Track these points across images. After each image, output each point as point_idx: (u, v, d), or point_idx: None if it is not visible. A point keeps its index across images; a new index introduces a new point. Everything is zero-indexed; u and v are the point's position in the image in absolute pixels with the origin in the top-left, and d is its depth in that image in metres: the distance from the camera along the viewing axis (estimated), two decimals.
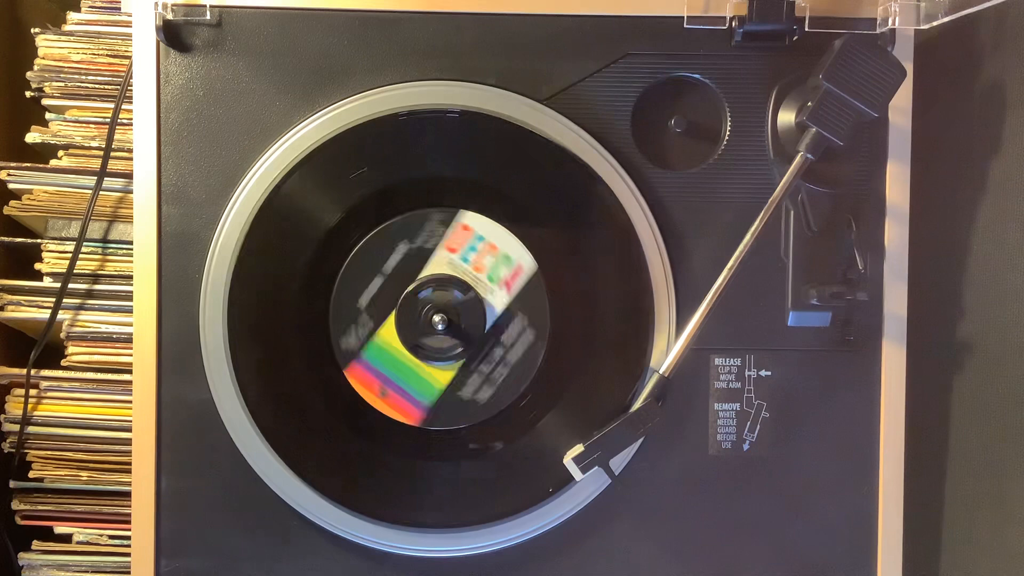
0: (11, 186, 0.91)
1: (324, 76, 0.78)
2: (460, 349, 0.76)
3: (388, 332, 0.77)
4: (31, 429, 0.90)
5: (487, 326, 0.77)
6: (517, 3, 0.78)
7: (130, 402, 0.88)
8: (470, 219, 0.77)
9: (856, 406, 0.80)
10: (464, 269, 0.77)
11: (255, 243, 0.77)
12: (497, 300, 0.77)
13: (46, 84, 0.92)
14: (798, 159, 0.74)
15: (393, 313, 0.76)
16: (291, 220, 0.77)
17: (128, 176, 0.89)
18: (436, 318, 0.75)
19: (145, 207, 0.77)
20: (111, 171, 0.90)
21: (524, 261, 0.77)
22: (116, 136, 0.89)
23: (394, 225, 0.77)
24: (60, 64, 0.92)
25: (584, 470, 0.73)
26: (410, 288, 0.76)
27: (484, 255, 0.77)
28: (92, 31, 0.92)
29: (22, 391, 0.90)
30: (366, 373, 0.77)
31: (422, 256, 0.77)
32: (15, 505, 0.91)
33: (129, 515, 0.78)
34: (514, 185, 0.79)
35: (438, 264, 0.77)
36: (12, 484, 0.91)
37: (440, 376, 0.77)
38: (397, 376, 0.77)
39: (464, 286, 0.76)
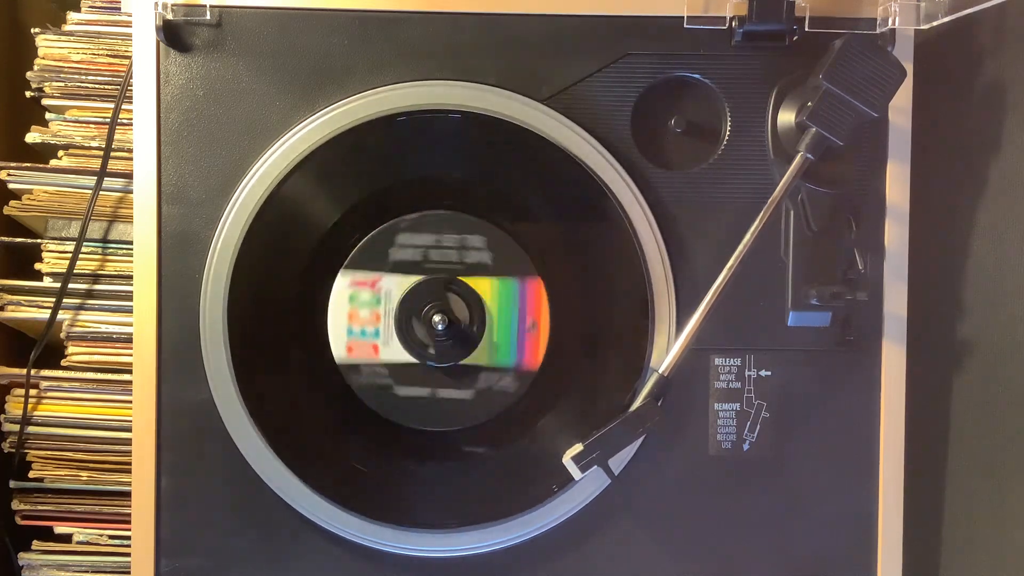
0: (11, 186, 0.91)
1: (324, 76, 0.78)
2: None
3: (482, 353, 0.77)
4: (31, 429, 0.90)
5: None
6: (517, 3, 0.78)
7: (130, 402, 0.88)
8: (337, 349, 0.77)
9: (856, 406, 0.80)
10: (386, 328, 0.77)
11: (255, 243, 0.77)
12: (396, 283, 0.76)
13: (46, 84, 0.92)
14: (798, 159, 0.74)
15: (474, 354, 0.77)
16: (291, 220, 0.77)
17: (128, 176, 0.89)
18: (436, 318, 0.75)
19: (145, 207, 0.77)
20: (111, 171, 0.90)
21: (343, 286, 0.77)
22: (116, 136, 0.89)
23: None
24: (60, 64, 0.92)
25: (583, 469, 0.73)
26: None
27: (360, 318, 0.77)
28: (92, 31, 0.92)
29: (22, 391, 0.90)
30: (524, 348, 0.77)
31: (401, 370, 0.77)
32: (15, 505, 0.91)
33: (129, 515, 0.78)
34: (514, 185, 0.79)
35: (397, 354, 0.76)
36: (12, 484, 0.91)
37: (488, 284, 0.77)
38: (508, 317, 0.77)
39: (456, 283, 0.76)
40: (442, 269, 0.77)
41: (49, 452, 0.91)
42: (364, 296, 0.77)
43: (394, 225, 0.77)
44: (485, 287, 0.77)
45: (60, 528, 0.91)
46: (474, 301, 0.77)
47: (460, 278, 0.77)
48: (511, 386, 0.77)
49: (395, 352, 0.77)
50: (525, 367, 0.77)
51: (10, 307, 0.91)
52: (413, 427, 0.78)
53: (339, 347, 0.77)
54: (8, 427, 0.91)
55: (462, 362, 0.77)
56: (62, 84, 0.92)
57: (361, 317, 0.77)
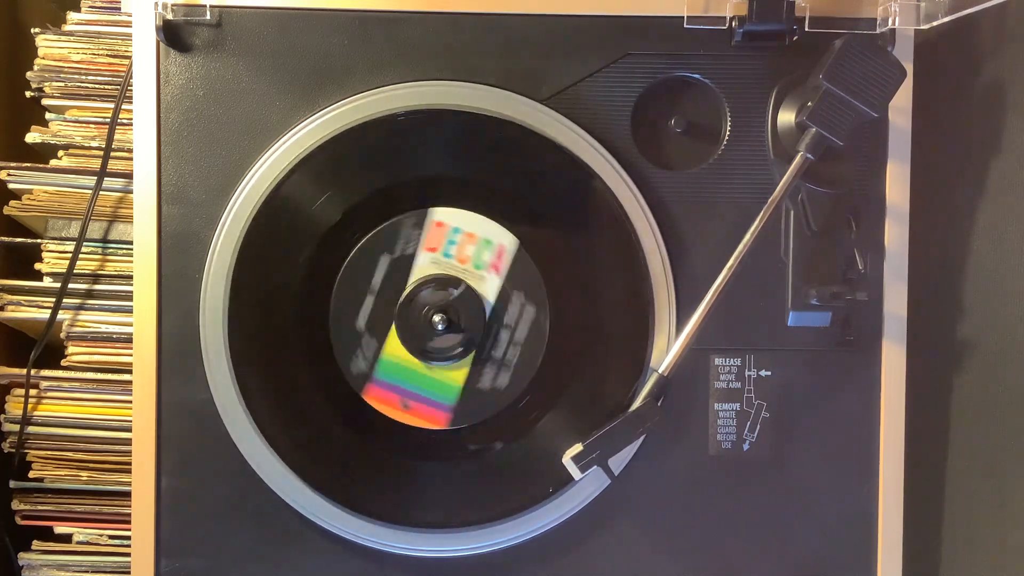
0: (11, 186, 0.91)
1: (324, 76, 0.78)
2: (466, 344, 0.76)
3: (394, 346, 0.77)
4: (31, 429, 0.90)
5: (487, 314, 0.77)
6: (517, 3, 0.78)
7: (130, 402, 0.88)
8: (441, 215, 0.77)
9: (856, 406, 0.80)
10: (450, 264, 0.77)
11: (255, 243, 0.77)
12: (489, 286, 0.77)
13: (46, 84, 0.92)
14: (798, 159, 0.74)
15: (393, 327, 0.76)
16: (291, 220, 0.77)
17: (128, 176, 0.89)
18: (436, 318, 0.75)
19: (145, 207, 0.77)
20: (111, 171, 0.90)
21: (504, 240, 0.77)
22: (116, 136, 0.89)
23: (370, 241, 0.77)
24: (60, 64, 0.92)
25: (583, 469, 0.73)
26: (402, 298, 0.76)
27: (465, 246, 0.77)
28: (92, 31, 0.92)
29: (22, 391, 0.90)
30: (383, 391, 0.77)
31: (405, 264, 0.77)
32: (15, 505, 0.91)
33: (129, 515, 0.78)
34: (514, 185, 0.79)
35: (422, 268, 0.77)
36: (12, 484, 0.91)
37: (455, 375, 0.77)
38: (414, 385, 0.77)
39: (455, 281, 0.76)
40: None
41: (49, 452, 0.91)
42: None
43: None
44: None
45: (60, 528, 0.91)
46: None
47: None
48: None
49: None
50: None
51: (10, 307, 0.91)
52: (414, 427, 0.78)
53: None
54: (8, 427, 0.91)
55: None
56: (62, 84, 0.92)
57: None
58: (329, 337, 0.77)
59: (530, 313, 0.77)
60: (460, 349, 0.77)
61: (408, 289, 0.76)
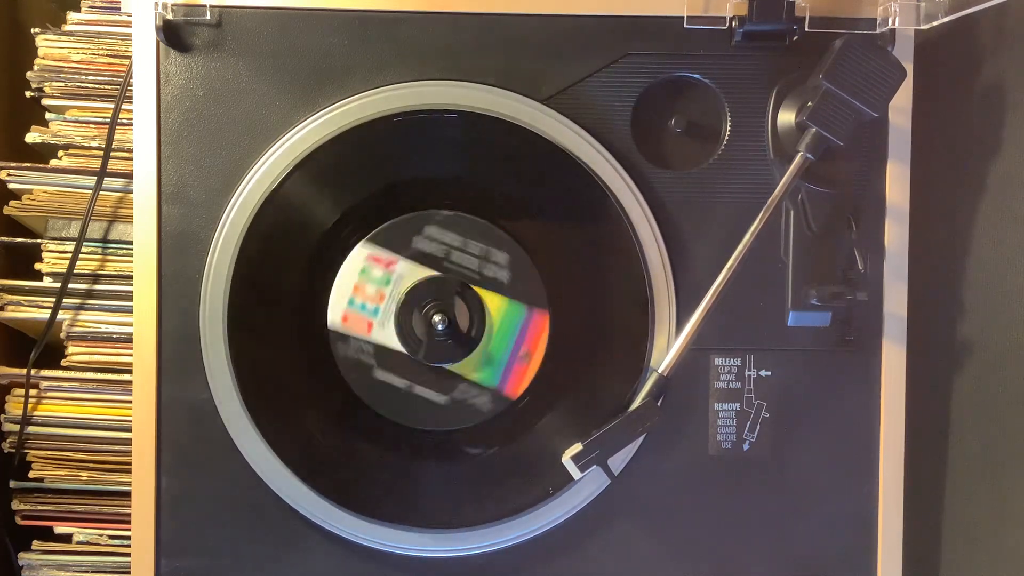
0: (11, 186, 0.91)
1: (324, 76, 0.78)
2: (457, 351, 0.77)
3: (465, 367, 0.78)
4: (31, 429, 0.90)
5: (438, 273, 0.77)
6: (517, 3, 0.78)
7: (130, 402, 0.88)
8: (333, 314, 0.77)
9: (856, 406, 0.80)
10: (384, 309, 0.77)
11: (255, 243, 0.77)
12: (409, 270, 0.76)
13: (46, 84, 0.92)
14: (798, 159, 0.74)
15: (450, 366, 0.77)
16: (291, 220, 0.77)
17: (128, 176, 0.89)
18: (437, 317, 0.75)
19: (145, 207, 0.77)
20: (111, 171, 0.90)
21: (360, 256, 0.77)
22: (116, 136, 0.89)
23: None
24: (60, 64, 0.92)
25: (582, 469, 0.73)
26: (424, 352, 0.76)
27: (365, 293, 0.77)
28: (92, 31, 0.92)
29: (22, 391, 0.90)
30: (510, 377, 0.78)
31: (385, 353, 0.77)
32: (15, 505, 0.91)
33: (129, 515, 0.78)
34: (514, 185, 0.79)
35: (387, 338, 0.77)
36: (12, 484, 0.91)
37: (497, 303, 0.77)
38: (505, 345, 0.77)
39: (401, 305, 0.76)
40: (458, 272, 0.77)
41: (49, 452, 0.91)
42: (376, 273, 0.77)
43: (427, 215, 0.77)
44: (495, 303, 0.77)
45: (60, 528, 0.91)
46: (478, 311, 0.77)
47: (473, 286, 0.77)
48: (487, 404, 0.78)
49: (388, 336, 0.77)
50: (505, 393, 0.78)
51: (10, 307, 0.91)
52: (412, 427, 0.78)
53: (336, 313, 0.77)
54: (8, 427, 0.91)
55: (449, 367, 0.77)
56: (62, 84, 0.92)
57: (366, 293, 0.77)
58: (329, 337, 0.77)
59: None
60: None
61: (418, 281, 0.76)
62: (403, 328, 0.76)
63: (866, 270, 0.78)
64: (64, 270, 0.89)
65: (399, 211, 0.77)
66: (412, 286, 0.76)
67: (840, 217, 0.78)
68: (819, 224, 0.78)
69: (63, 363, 0.91)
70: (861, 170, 0.79)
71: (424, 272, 0.77)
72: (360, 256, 0.77)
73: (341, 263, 0.77)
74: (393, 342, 0.77)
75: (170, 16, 0.76)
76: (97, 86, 0.92)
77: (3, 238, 0.93)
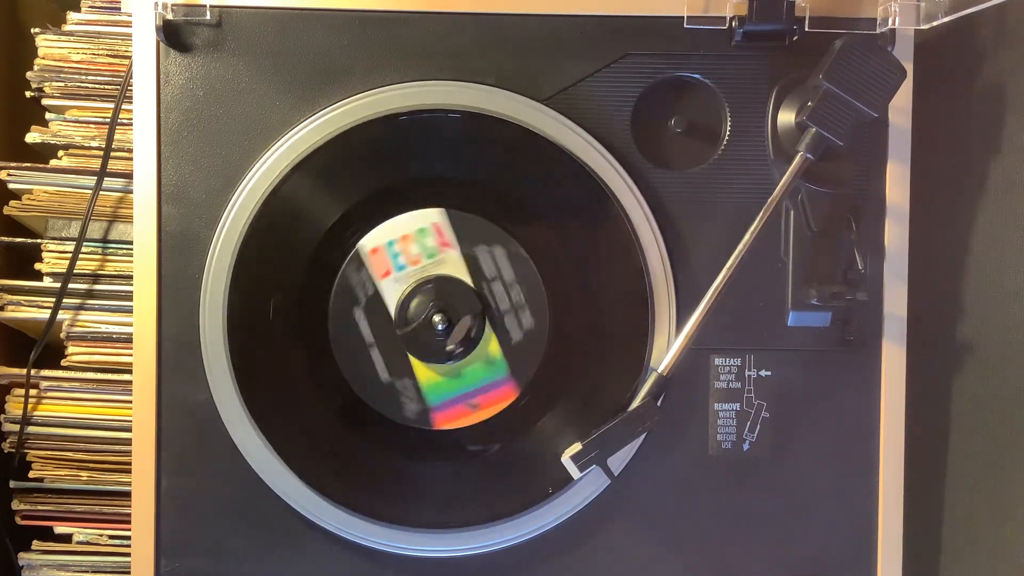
0: (11, 186, 0.91)
1: (324, 76, 0.78)
2: (474, 323, 0.76)
3: (423, 371, 0.77)
4: (31, 429, 0.90)
5: (472, 284, 0.77)
6: (517, 3, 0.78)
7: (130, 402, 0.88)
8: (370, 241, 0.76)
9: (856, 406, 0.80)
10: (409, 272, 0.76)
11: (255, 243, 0.77)
12: (454, 263, 0.77)
13: (46, 84, 0.92)
14: (798, 159, 0.74)
15: (411, 357, 0.77)
16: (291, 220, 0.77)
17: (128, 176, 0.89)
18: (436, 318, 0.75)
19: (145, 207, 0.77)
20: (111, 171, 0.90)
21: (432, 218, 0.77)
22: (116, 136, 0.89)
23: (332, 306, 0.77)
24: (60, 64, 0.92)
25: (582, 469, 0.73)
26: (399, 328, 0.76)
27: (407, 248, 0.76)
28: (92, 31, 0.92)
29: (22, 391, 0.90)
30: (447, 411, 0.77)
31: (377, 304, 0.77)
32: (15, 505, 0.91)
33: (129, 515, 0.78)
34: (514, 185, 0.79)
35: (391, 293, 0.77)
36: (12, 484, 0.91)
37: (489, 349, 0.77)
38: (465, 385, 0.77)
39: (424, 281, 0.76)
40: (488, 299, 0.77)
41: (49, 452, 0.91)
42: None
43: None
44: (489, 347, 0.77)
45: (60, 528, 0.91)
46: (473, 340, 0.77)
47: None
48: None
49: (391, 293, 0.77)
50: (432, 417, 0.77)
51: (10, 307, 0.91)
52: (414, 427, 0.78)
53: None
54: (8, 427, 0.91)
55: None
56: (62, 84, 0.92)
57: (409, 250, 0.77)
58: (329, 337, 0.77)
59: (502, 255, 0.77)
60: (473, 329, 0.76)
61: (406, 327, 0.76)
62: (407, 300, 0.76)
63: (866, 270, 0.78)
64: (64, 270, 0.89)
65: (399, 211, 0.77)
66: (446, 277, 0.76)
67: (840, 217, 0.78)
68: (819, 224, 0.78)
69: (63, 363, 0.91)
70: (861, 170, 0.79)
71: (463, 276, 0.77)
72: (429, 217, 0.76)
73: (341, 263, 0.77)
74: (391, 301, 0.77)
75: (170, 16, 0.76)
76: (97, 86, 0.92)
77: (3, 238, 0.93)
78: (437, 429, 0.78)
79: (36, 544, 0.91)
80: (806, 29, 0.77)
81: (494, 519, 0.78)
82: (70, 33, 0.92)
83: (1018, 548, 0.78)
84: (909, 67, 0.76)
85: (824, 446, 0.80)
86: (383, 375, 0.77)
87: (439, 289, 0.76)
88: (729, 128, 0.79)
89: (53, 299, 0.90)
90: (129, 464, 0.80)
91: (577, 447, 0.74)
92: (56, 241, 0.91)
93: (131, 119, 0.78)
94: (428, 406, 0.77)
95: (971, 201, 0.82)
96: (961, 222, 0.83)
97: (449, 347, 0.76)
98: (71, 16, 0.92)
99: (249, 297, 0.77)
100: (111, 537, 0.91)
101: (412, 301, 0.76)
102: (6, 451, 0.91)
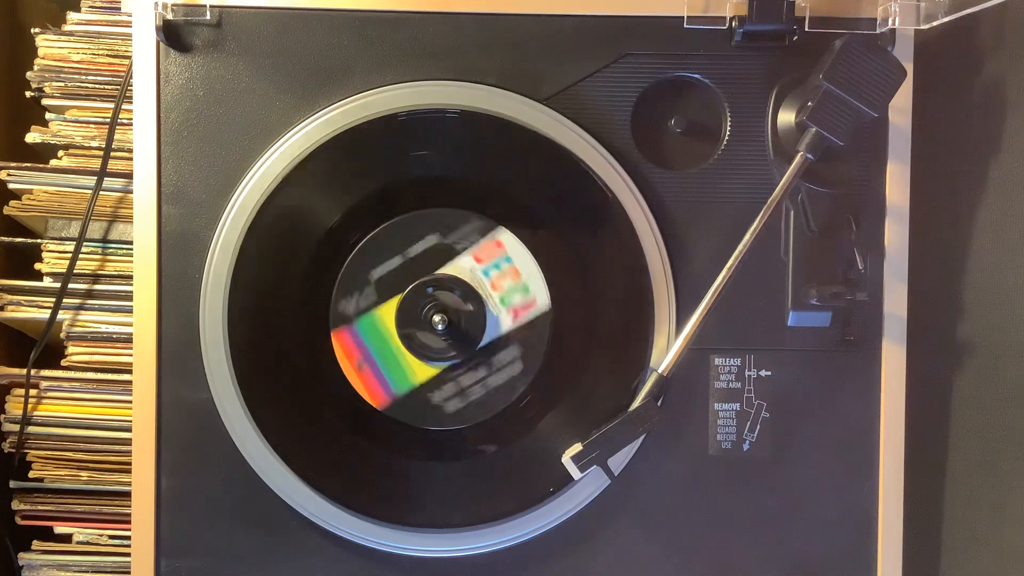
0: (11, 186, 0.91)
1: (324, 76, 0.78)
2: (450, 354, 0.76)
3: (387, 312, 0.77)
4: (31, 429, 0.90)
5: (482, 342, 0.77)
6: (517, 3, 0.78)
7: (130, 402, 0.88)
8: (505, 237, 0.77)
9: (856, 406, 0.80)
10: (482, 282, 0.77)
11: (255, 243, 0.77)
12: (502, 322, 0.77)
13: (46, 84, 0.92)
14: (798, 159, 0.74)
15: (398, 296, 0.76)
16: (291, 220, 0.77)
17: (128, 176, 0.89)
18: (436, 318, 0.75)
19: (145, 207, 0.77)
20: (111, 171, 0.90)
21: (540, 297, 0.77)
22: (116, 136, 0.89)
23: (433, 214, 0.77)
24: (60, 64, 0.92)
25: (582, 469, 0.73)
26: (424, 279, 0.76)
27: (505, 277, 0.77)
28: (92, 31, 0.92)
29: (22, 391, 0.90)
30: (352, 343, 0.77)
31: (447, 254, 0.77)
32: (15, 505, 0.91)
33: (129, 515, 0.78)
34: (513, 185, 0.79)
35: (459, 268, 0.77)
36: (12, 484, 0.91)
37: (420, 372, 0.77)
38: (380, 357, 0.77)
39: (475, 297, 0.76)
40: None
41: (49, 452, 0.91)
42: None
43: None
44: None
45: (60, 528, 0.91)
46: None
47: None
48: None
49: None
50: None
51: (10, 307, 0.91)
52: (413, 426, 0.78)
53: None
54: (8, 427, 0.90)
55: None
56: (62, 84, 0.92)
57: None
58: (329, 337, 0.77)
59: (524, 361, 0.77)
60: (439, 355, 0.77)
61: (434, 275, 0.76)
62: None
63: (866, 270, 0.78)
64: (64, 270, 0.89)
65: (399, 211, 0.77)
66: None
67: (840, 217, 0.78)
68: (819, 224, 0.78)
69: (63, 363, 0.91)
70: (861, 170, 0.79)
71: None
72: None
73: (341, 263, 0.77)
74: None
75: (170, 16, 0.76)
76: (97, 86, 0.92)
77: (3, 238, 0.93)
78: (437, 429, 0.77)
79: (36, 544, 0.91)
80: (806, 29, 0.77)
81: (494, 519, 0.78)
82: (70, 33, 0.92)
83: (1018, 548, 0.78)
84: (909, 67, 0.76)
85: (824, 446, 0.80)
86: (375, 275, 0.77)
87: (469, 315, 0.76)
88: (729, 128, 0.79)
89: (53, 299, 0.90)
90: (129, 464, 0.80)
91: (577, 447, 0.74)
92: (56, 241, 0.91)
93: (131, 119, 0.78)
94: (352, 322, 0.77)
95: (971, 201, 0.82)
96: (961, 222, 0.83)
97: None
98: (71, 16, 0.92)
99: (250, 297, 0.77)
100: (111, 537, 0.91)
101: (454, 289, 0.76)
102: (6, 451, 0.91)
